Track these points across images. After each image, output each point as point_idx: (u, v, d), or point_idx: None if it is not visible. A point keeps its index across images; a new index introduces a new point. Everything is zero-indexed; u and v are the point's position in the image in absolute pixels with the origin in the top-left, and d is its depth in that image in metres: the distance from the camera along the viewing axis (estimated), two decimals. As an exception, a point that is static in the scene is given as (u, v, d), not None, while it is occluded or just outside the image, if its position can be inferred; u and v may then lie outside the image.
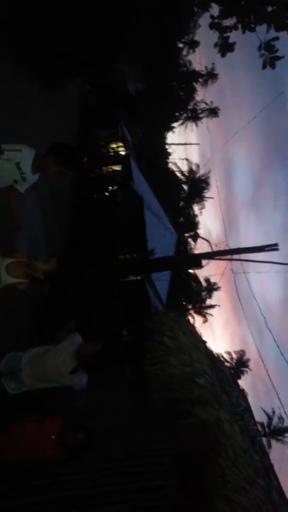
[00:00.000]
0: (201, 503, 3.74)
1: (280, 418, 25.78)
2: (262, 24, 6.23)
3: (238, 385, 8.80)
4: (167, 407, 5.42)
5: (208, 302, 32.09)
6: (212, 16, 7.32)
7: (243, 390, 8.67)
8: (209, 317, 32.31)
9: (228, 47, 7.00)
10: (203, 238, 16.86)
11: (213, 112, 33.70)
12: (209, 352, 7.70)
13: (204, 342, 8.24)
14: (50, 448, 3.84)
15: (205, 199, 31.80)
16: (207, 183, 31.51)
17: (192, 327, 8.04)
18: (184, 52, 28.94)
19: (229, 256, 13.67)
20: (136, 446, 5.12)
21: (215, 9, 7.77)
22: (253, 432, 6.99)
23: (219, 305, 32.99)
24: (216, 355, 8.18)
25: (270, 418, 26.67)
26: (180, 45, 27.66)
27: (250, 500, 3.77)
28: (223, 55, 6.98)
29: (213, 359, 7.62)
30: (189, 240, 27.71)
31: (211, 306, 32.33)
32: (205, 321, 32.08)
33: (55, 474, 4.33)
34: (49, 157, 3.95)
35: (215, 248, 14.84)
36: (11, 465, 3.86)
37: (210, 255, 13.89)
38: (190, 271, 26.15)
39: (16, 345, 7.22)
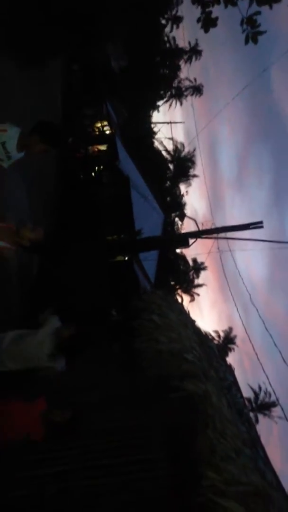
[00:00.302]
0: (190, 473, 3.87)
1: (266, 393, 26.44)
2: (244, -1, 6.17)
3: (225, 361, 9.02)
4: (157, 382, 5.54)
5: (196, 281, 32.42)
6: (195, -9, 7.21)
7: (230, 365, 8.89)
8: (196, 296, 32.68)
9: (211, 22, 6.90)
10: (190, 218, 16.91)
11: (197, 89, 33.38)
12: (197, 330, 7.85)
13: (192, 320, 8.39)
14: (36, 427, 3.90)
15: (191, 178, 31.78)
16: (193, 162, 31.43)
17: (180, 305, 8.15)
18: (168, 29, 28.46)
19: (215, 235, 13.75)
20: (128, 420, 5.24)
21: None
22: (240, 405, 7.20)
23: (206, 285, 33.34)
24: (204, 333, 8.33)
25: (256, 394, 27.36)
26: (163, 21, 27.18)
27: (237, 468, 3.91)
28: (206, 30, 6.89)
29: (201, 336, 7.77)
30: (176, 219, 27.75)
31: (199, 285, 32.67)
32: (193, 300, 32.45)
33: (47, 449, 4.43)
34: (33, 135, 3.96)
35: (201, 227, 14.89)
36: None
37: (197, 234, 13.95)
38: (178, 250, 26.28)
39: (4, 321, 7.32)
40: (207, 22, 6.69)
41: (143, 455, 4.38)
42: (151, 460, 4.27)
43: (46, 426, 3.94)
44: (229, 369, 8.53)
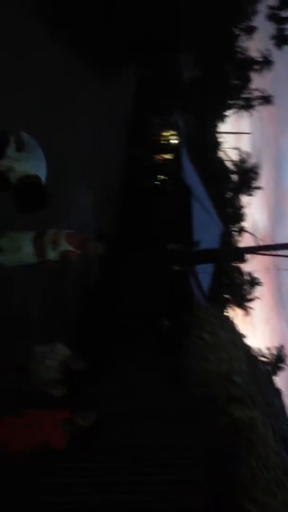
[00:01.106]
0: (228, 502, 3.82)
1: None
2: None
3: (273, 384, 8.76)
4: (202, 402, 5.50)
5: (250, 295, 31.64)
6: (270, 7, 7.16)
7: (278, 389, 8.63)
8: (250, 311, 31.91)
9: (285, 39, 6.83)
10: (249, 233, 16.59)
11: (266, 100, 32.66)
12: (247, 350, 7.70)
13: (243, 339, 8.24)
14: (58, 436, 3.91)
15: (254, 189, 31.15)
16: (257, 173, 30.81)
17: (232, 323, 8.04)
18: (241, 39, 28.10)
19: (273, 252, 13.42)
20: (168, 437, 5.24)
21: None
22: (286, 432, 6.98)
23: (259, 298, 32.39)
24: (253, 353, 8.16)
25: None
26: (237, 32, 26.90)
27: (278, 503, 3.81)
28: (279, 47, 6.82)
29: (251, 357, 7.61)
30: (235, 233, 27.29)
31: (252, 299, 31.83)
32: (247, 314, 31.71)
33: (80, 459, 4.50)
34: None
35: (261, 243, 14.59)
36: (17, 456, 3.88)
37: (255, 250, 13.68)
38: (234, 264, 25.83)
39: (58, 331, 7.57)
40: (281, 40, 6.62)
41: (184, 476, 4.37)
42: (191, 483, 4.25)
43: (69, 433, 3.94)
44: (277, 392, 8.29)
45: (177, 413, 5.53)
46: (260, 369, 7.96)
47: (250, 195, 31.47)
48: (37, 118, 6.92)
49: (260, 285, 30.79)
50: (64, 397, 4.56)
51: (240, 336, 7.65)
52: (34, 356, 4.64)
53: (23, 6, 7.09)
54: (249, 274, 30.52)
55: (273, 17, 6.91)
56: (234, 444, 4.88)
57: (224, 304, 25.33)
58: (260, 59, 29.97)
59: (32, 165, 3.68)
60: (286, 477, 4.94)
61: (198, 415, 5.36)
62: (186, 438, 5.16)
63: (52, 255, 4.37)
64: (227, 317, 9.38)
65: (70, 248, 4.39)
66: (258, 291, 31.39)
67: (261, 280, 30.57)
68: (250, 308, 32.02)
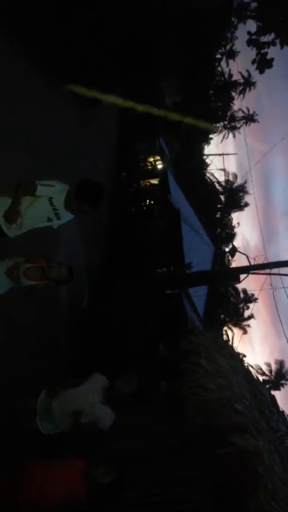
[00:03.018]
0: None
1: None
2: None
3: (278, 407, 8.52)
4: (204, 433, 5.29)
5: (246, 314, 31.54)
6: (249, 33, 7.24)
7: (283, 412, 8.39)
8: (247, 329, 31.74)
9: (266, 63, 6.87)
10: (241, 252, 16.58)
11: (251, 119, 33.31)
12: (247, 374, 7.50)
13: (243, 362, 8.05)
14: (74, 493, 3.47)
15: (243, 208, 31.42)
16: (245, 192, 31.15)
17: (230, 347, 7.86)
18: (222, 62, 28.77)
19: (267, 271, 13.36)
20: (169, 473, 5.01)
21: (252, 25, 7.68)
22: (294, 459, 6.73)
23: (253, 317, 32.26)
24: (254, 376, 7.95)
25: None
26: (218, 56, 27.54)
27: None
28: (261, 71, 6.86)
29: (252, 381, 7.41)
30: (227, 253, 27.36)
31: (249, 318, 31.72)
32: (244, 332, 31.52)
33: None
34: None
35: (253, 262, 14.55)
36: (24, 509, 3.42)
37: (248, 269, 13.62)
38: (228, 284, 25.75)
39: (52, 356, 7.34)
40: (263, 64, 6.65)
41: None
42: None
43: (89, 483, 3.50)
44: (282, 416, 8.05)
45: (177, 447, 5.30)
46: (263, 392, 7.75)
47: (240, 214, 31.75)
48: (21, 150, 6.89)
49: (255, 301, 30.70)
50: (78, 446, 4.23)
51: (239, 360, 7.46)
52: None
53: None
54: (244, 292, 30.51)
55: (252, 42, 6.96)
56: (240, 477, 4.66)
57: (221, 325, 25.15)
58: (242, 81, 30.67)
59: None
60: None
61: (200, 447, 5.14)
62: (189, 473, 4.94)
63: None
64: (225, 341, 9.20)
65: (32, 283, 4.25)
66: (254, 308, 31.30)
67: (257, 297, 30.52)
68: (247, 326, 31.86)
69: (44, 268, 4.26)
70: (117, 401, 4.19)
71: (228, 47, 27.36)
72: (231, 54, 28.87)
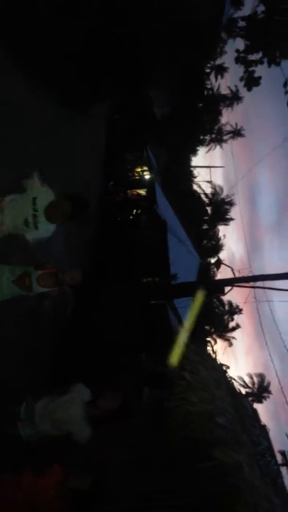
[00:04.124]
0: None
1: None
2: (288, 60, 6.24)
3: (259, 421, 8.57)
4: (185, 446, 5.29)
5: (231, 325, 31.66)
6: (237, 50, 7.37)
7: (264, 426, 8.43)
8: (231, 341, 31.85)
9: (254, 81, 7.00)
10: (226, 265, 16.70)
11: (237, 133, 33.82)
12: (230, 387, 7.55)
13: (226, 375, 8.10)
14: (50, 504, 3.35)
15: (228, 220, 31.68)
16: (231, 205, 31.43)
17: (214, 360, 7.89)
18: (211, 76, 29.21)
19: (252, 284, 13.46)
20: (151, 486, 4.98)
21: (240, 43, 7.82)
22: (274, 473, 6.77)
23: (239, 327, 32.40)
24: (238, 389, 8.01)
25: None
26: (207, 70, 27.94)
27: None
28: (249, 89, 6.99)
29: (235, 395, 7.45)
30: (212, 265, 27.51)
31: (234, 328, 31.82)
32: (230, 345, 31.60)
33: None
34: (66, 203, 3.88)
35: (238, 274, 14.66)
36: None
37: (233, 282, 13.70)
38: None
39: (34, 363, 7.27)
40: (250, 82, 6.77)
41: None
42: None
43: (64, 498, 3.38)
44: (264, 430, 8.10)
45: (159, 460, 5.28)
46: (245, 406, 7.79)
47: (225, 226, 31.99)
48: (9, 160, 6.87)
49: (240, 313, 30.86)
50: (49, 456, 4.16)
51: (222, 373, 7.50)
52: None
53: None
54: (229, 303, 30.64)
55: (240, 60, 7.09)
56: (220, 490, 4.66)
57: (205, 337, 25.19)
58: (230, 95, 31.16)
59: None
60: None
61: (182, 460, 5.13)
62: (170, 486, 4.92)
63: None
64: (209, 354, 9.23)
65: (43, 290, 4.22)
66: (239, 320, 31.44)
67: (241, 308, 30.68)
68: (232, 337, 31.97)
69: (58, 274, 4.27)
70: (99, 418, 4.16)
71: (217, 62, 27.84)
72: (220, 70, 29.39)
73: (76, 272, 4.36)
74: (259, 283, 13.52)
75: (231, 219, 31.53)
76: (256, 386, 31.75)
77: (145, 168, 20.79)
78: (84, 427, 4.08)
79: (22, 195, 3.91)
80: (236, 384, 7.62)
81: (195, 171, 34.64)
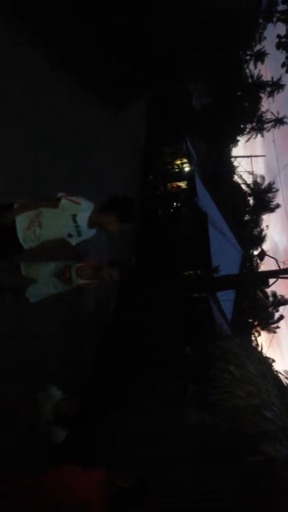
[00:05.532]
0: None
1: None
2: None
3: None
4: (232, 440, 5.25)
5: (276, 316, 30.92)
6: (279, 36, 7.18)
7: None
8: (276, 333, 31.14)
9: (296, 66, 6.76)
10: (270, 256, 16.32)
11: (279, 121, 32.83)
12: (277, 380, 7.39)
13: (272, 368, 7.93)
14: (92, 500, 3.30)
15: (273, 210, 30.95)
16: (274, 193, 30.68)
17: (259, 352, 7.76)
18: (251, 63, 28.41)
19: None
20: (196, 480, 4.98)
21: (281, 28, 7.60)
22: None
23: (284, 318, 31.49)
24: (285, 383, 7.83)
25: None
26: (246, 57, 27.23)
27: None
28: (290, 74, 6.74)
29: (282, 387, 7.30)
30: (255, 257, 26.95)
31: (278, 319, 31.05)
32: (274, 332, 30.85)
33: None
34: (110, 214, 3.76)
35: (282, 266, 14.32)
36: None
37: (277, 274, 13.42)
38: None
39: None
40: (292, 67, 6.55)
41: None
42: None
43: (109, 494, 3.34)
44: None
45: (205, 454, 5.27)
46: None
47: (272, 212, 31.24)
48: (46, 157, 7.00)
49: (285, 304, 30.06)
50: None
51: (268, 366, 7.36)
52: (35, 401, 4.34)
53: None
54: (274, 294, 29.93)
55: (282, 45, 6.91)
56: (269, 486, 4.61)
57: (249, 330, 24.81)
58: (270, 82, 30.23)
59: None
60: None
61: (228, 455, 5.10)
62: (216, 480, 4.91)
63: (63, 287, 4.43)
64: (254, 346, 9.08)
65: (83, 281, 4.41)
66: (284, 312, 30.66)
67: (287, 299, 29.89)
68: (277, 328, 31.21)
69: (96, 268, 4.47)
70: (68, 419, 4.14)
71: (256, 49, 27.07)
72: (260, 56, 28.55)
73: (114, 270, 4.53)
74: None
75: (277, 205, 30.82)
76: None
77: (185, 160, 20.64)
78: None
79: (60, 211, 3.73)
80: (282, 378, 7.44)
81: (236, 161, 34.01)
